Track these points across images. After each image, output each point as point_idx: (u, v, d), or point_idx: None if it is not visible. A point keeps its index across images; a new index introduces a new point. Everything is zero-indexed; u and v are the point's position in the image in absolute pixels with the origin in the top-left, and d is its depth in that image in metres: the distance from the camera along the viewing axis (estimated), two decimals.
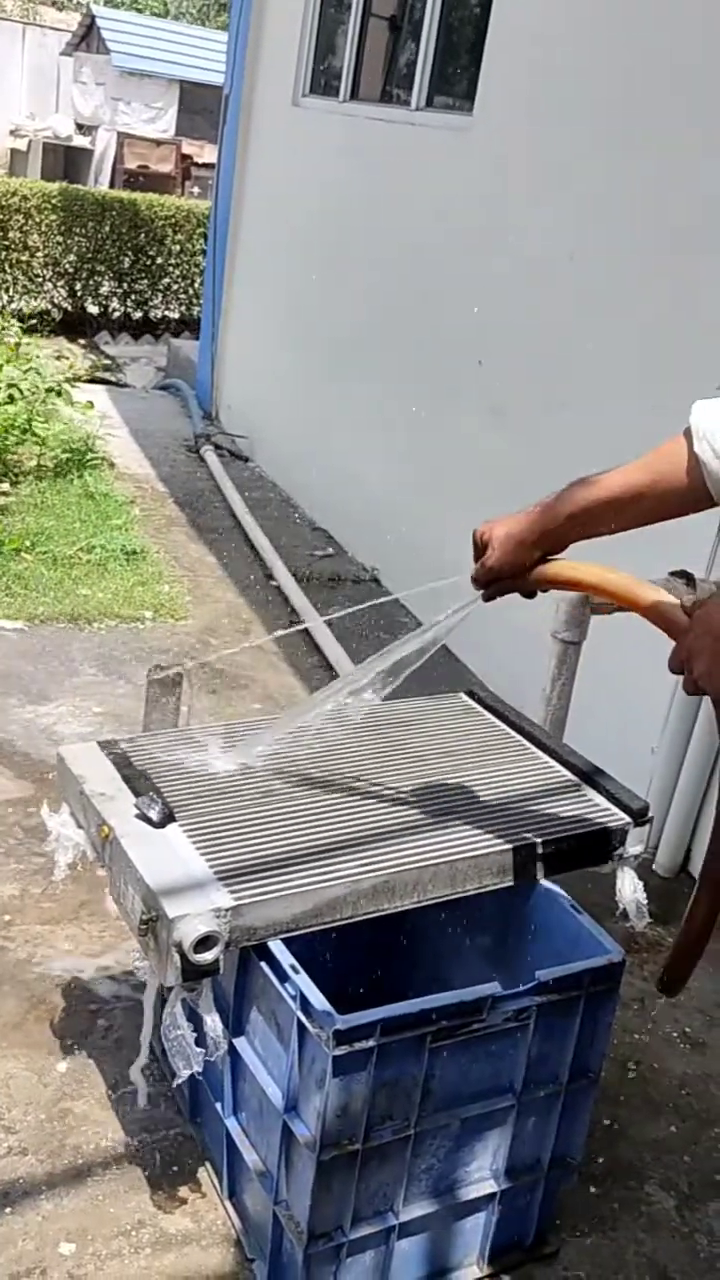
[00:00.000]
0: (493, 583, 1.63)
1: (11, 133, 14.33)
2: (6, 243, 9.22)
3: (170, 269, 10.03)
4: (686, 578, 2.36)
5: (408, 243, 4.73)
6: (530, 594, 1.66)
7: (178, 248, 10.00)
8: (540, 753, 2.22)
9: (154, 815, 1.83)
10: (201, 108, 13.96)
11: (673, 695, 3.03)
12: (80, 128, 14.60)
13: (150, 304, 10.07)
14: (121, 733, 3.12)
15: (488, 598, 1.66)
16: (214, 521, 5.39)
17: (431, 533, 4.41)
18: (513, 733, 2.29)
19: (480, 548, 1.63)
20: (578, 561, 1.59)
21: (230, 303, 6.84)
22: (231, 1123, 1.91)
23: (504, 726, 2.31)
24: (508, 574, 1.61)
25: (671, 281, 3.16)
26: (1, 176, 10.86)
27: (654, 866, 3.09)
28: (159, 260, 9.96)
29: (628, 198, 3.34)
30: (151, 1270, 1.88)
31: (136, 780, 1.93)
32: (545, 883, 1.99)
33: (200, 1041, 1.68)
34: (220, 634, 4.19)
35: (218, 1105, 1.94)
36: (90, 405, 5.91)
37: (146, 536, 4.92)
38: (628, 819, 2.01)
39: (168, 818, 1.84)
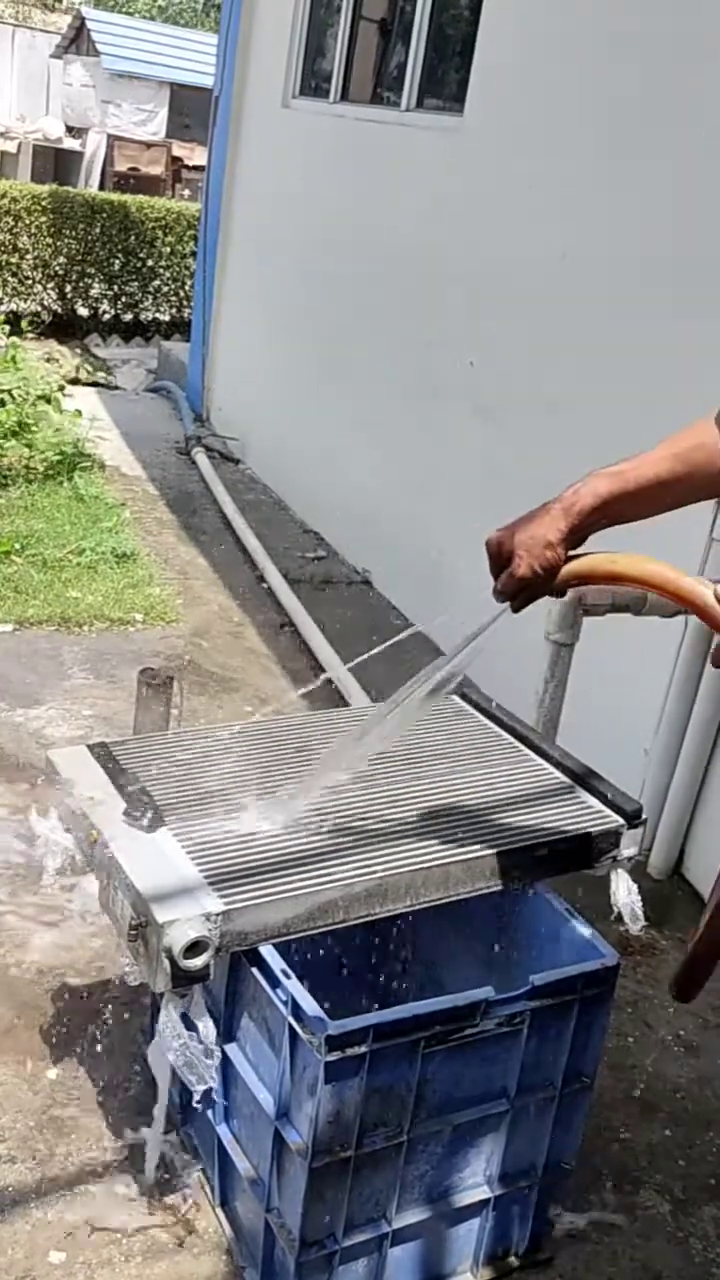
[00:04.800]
0: (522, 591, 1.51)
1: (1, 135, 14.29)
2: None
3: (161, 271, 10.01)
4: None
5: (398, 243, 4.72)
6: (561, 594, 1.55)
7: (168, 250, 9.98)
8: (533, 755, 2.20)
9: (143, 819, 1.81)
10: (192, 110, 13.94)
11: (665, 696, 3.02)
12: (70, 130, 14.58)
13: (141, 306, 10.05)
14: (112, 736, 3.10)
15: (517, 608, 1.53)
16: (205, 523, 5.38)
17: (423, 535, 4.40)
18: (505, 734, 2.27)
19: (502, 558, 1.50)
20: (613, 553, 1.48)
21: (221, 305, 6.83)
22: (223, 1130, 1.90)
23: (496, 728, 2.29)
24: (539, 579, 1.48)
25: (665, 282, 3.15)
26: None
27: (648, 869, 3.08)
28: (149, 262, 9.94)
29: (620, 197, 3.33)
30: (142, 1278, 1.86)
31: (126, 784, 1.92)
32: (539, 886, 1.98)
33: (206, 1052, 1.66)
34: (211, 637, 4.17)
35: (209, 1112, 1.93)
36: (79, 414, 5.89)
37: (137, 539, 4.90)
38: (621, 821, 2.00)
39: (157, 822, 1.82)
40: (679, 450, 1.47)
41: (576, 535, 1.49)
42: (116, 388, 8.19)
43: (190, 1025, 1.67)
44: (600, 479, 1.48)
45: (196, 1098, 1.69)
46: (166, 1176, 2.03)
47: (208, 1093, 1.68)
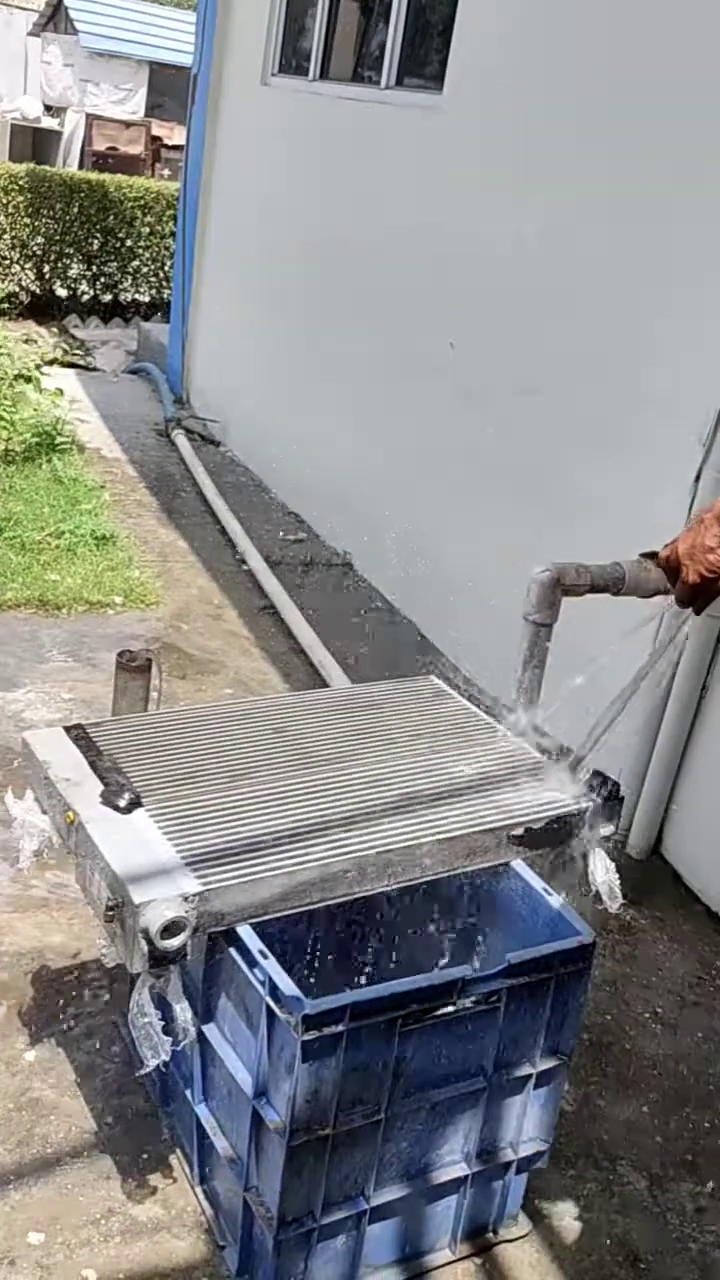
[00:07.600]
0: (698, 596, 1.73)
1: None
2: None
3: (140, 251, 9.92)
4: (655, 557, 2.35)
5: (378, 223, 4.69)
6: None
7: (147, 230, 9.89)
8: (511, 734, 2.20)
9: (120, 801, 1.81)
10: (171, 89, 13.83)
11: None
12: (48, 109, 14.43)
13: (120, 287, 9.97)
14: (91, 719, 3.09)
15: (699, 610, 1.77)
16: (185, 506, 5.35)
17: (404, 517, 4.39)
18: (483, 715, 2.27)
19: (672, 570, 1.76)
20: None
21: (201, 285, 6.78)
22: (202, 1109, 1.90)
23: (474, 708, 2.30)
24: (709, 581, 1.69)
25: (649, 262, 3.14)
26: None
27: (627, 848, 3.10)
28: (128, 243, 9.85)
29: (600, 176, 3.31)
30: (122, 1258, 1.87)
31: (103, 765, 1.91)
32: (516, 864, 1.98)
33: (169, 1029, 1.66)
34: (191, 619, 4.16)
35: (187, 1092, 1.93)
36: (59, 393, 5.84)
37: (116, 521, 4.88)
38: (599, 800, 2.00)
39: (134, 803, 1.81)
40: None
41: None
42: (95, 369, 8.12)
43: (165, 1004, 1.67)
44: None
45: (147, 1069, 1.69)
46: (145, 1157, 2.04)
47: (157, 1067, 1.68)
